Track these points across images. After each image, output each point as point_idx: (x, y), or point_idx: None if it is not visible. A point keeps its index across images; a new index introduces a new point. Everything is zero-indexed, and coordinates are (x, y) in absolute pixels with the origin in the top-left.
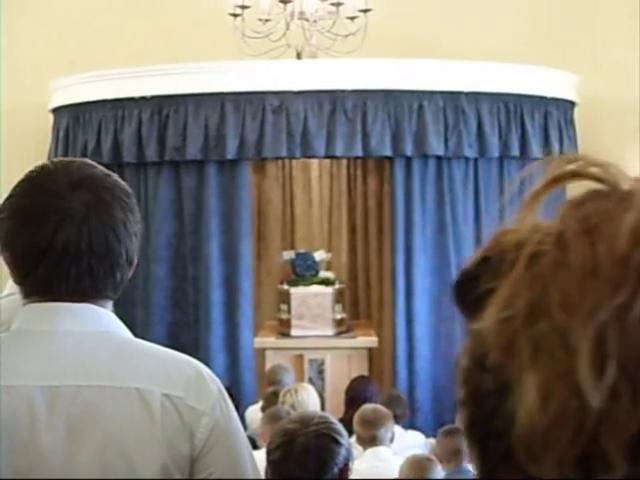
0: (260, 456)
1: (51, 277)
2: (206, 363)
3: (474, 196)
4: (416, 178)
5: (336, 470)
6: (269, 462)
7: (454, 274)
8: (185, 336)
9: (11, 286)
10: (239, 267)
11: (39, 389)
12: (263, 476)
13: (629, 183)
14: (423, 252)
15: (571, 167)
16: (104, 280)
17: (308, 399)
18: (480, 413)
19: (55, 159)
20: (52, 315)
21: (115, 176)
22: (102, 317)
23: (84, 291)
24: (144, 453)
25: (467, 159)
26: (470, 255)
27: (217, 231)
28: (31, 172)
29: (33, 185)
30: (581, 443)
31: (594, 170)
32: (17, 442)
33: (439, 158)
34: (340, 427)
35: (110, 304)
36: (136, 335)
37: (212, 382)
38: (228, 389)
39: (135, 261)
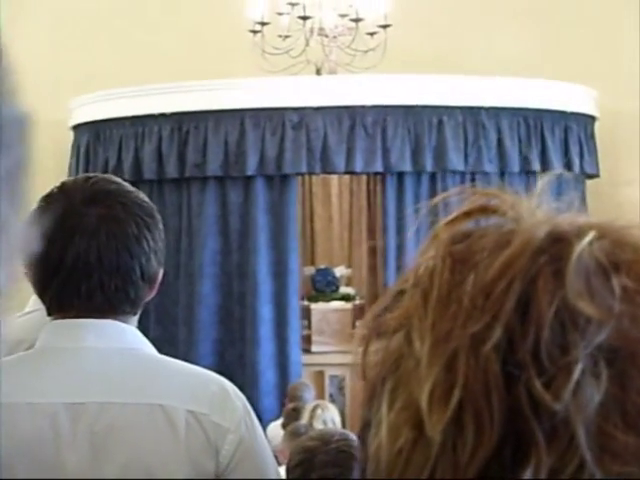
0: (283, 472)
1: (63, 293)
2: (253, 380)
3: None
4: (409, 194)
5: None
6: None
7: None
8: (230, 353)
9: (34, 302)
10: (288, 283)
11: (63, 406)
12: None
13: (530, 218)
14: None
15: (479, 202)
16: (116, 296)
17: (334, 416)
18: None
19: (77, 176)
20: (76, 331)
21: (137, 193)
22: (126, 334)
23: (97, 307)
24: (168, 470)
25: (487, 174)
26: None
27: (265, 247)
28: (51, 189)
29: (50, 202)
30: (422, 478)
31: (497, 204)
32: (40, 459)
33: (462, 173)
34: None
35: (133, 320)
36: (179, 352)
37: (237, 398)
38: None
39: (156, 279)
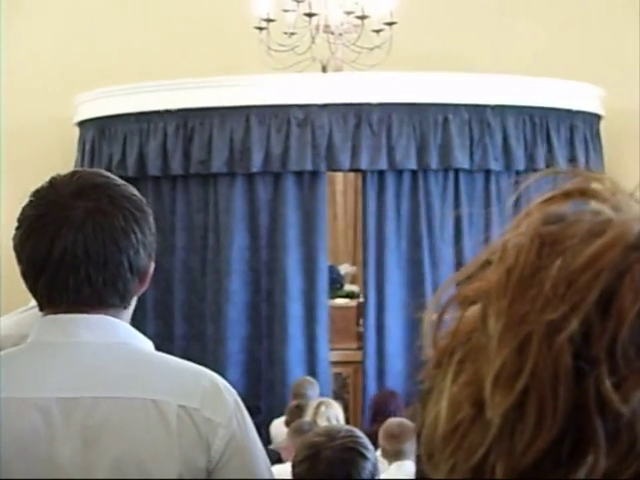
0: (285, 470)
1: (51, 287)
2: (282, 377)
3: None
4: (397, 193)
5: None
6: (294, 475)
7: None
8: (258, 350)
9: None
10: (317, 280)
11: (55, 401)
12: None
13: (628, 207)
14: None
15: (580, 184)
16: (104, 290)
17: (338, 413)
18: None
19: (67, 172)
20: (68, 326)
21: (126, 186)
22: (119, 328)
23: (86, 301)
24: (160, 465)
25: (489, 172)
26: None
27: (294, 244)
28: (42, 185)
29: (40, 197)
30: (475, 458)
31: (599, 189)
32: (33, 453)
33: (466, 171)
34: (366, 441)
35: (126, 314)
36: (207, 349)
37: (228, 394)
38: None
39: (146, 274)
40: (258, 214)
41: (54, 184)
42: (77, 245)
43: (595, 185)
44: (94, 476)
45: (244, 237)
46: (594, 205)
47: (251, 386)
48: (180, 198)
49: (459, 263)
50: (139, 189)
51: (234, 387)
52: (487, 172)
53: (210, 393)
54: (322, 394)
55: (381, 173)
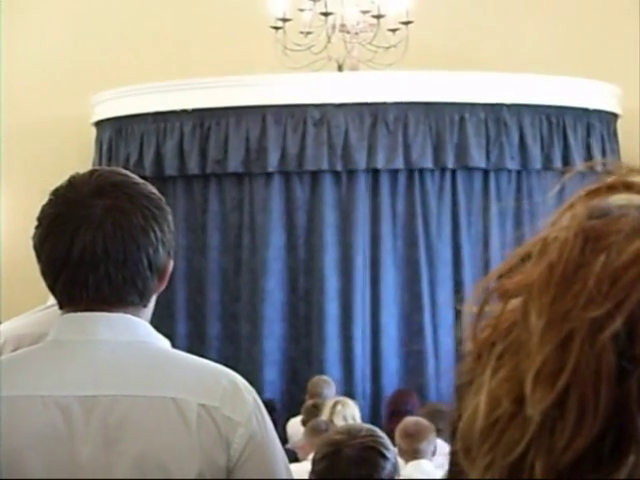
0: (303, 468)
1: (71, 286)
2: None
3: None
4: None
5: None
6: (314, 472)
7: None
8: (294, 350)
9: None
10: (354, 279)
11: (75, 399)
12: None
13: None
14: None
15: (625, 178)
16: (124, 288)
17: (354, 413)
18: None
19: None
20: (87, 325)
21: (144, 184)
22: (138, 327)
23: (105, 299)
24: (181, 464)
25: (510, 171)
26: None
27: (332, 243)
28: (61, 184)
29: (59, 195)
30: (514, 455)
31: None
32: (53, 451)
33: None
34: (387, 441)
35: (145, 312)
36: (242, 349)
37: (248, 392)
38: (271, 402)
39: (165, 271)
40: (295, 213)
41: (73, 183)
42: (96, 243)
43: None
44: (115, 475)
45: (281, 236)
46: (638, 200)
47: (287, 385)
48: (213, 197)
49: (456, 263)
50: (166, 189)
51: (270, 387)
52: (524, 172)
53: (230, 392)
54: (360, 393)
55: (376, 172)
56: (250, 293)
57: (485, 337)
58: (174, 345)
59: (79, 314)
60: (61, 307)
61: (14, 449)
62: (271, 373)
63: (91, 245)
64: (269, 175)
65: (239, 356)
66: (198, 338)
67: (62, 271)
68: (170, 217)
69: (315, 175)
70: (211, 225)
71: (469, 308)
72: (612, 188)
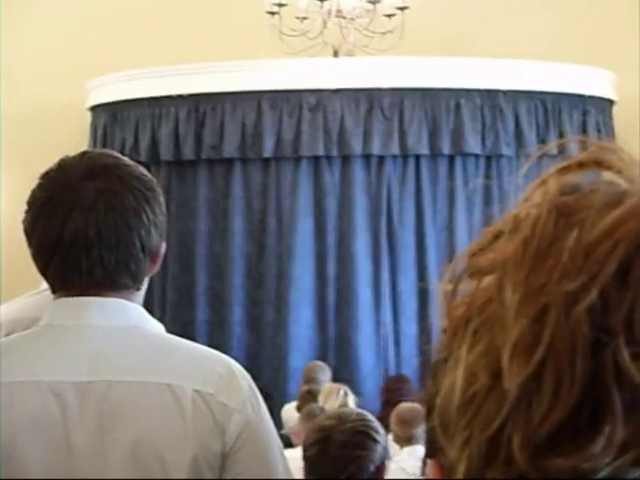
0: (295, 454)
1: (64, 270)
2: (352, 364)
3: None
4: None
5: (372, 468)
6: (305, 458)
7: None
8: (323, 336)
9: None
10: (381, 265)
11: (70, 384)
12: (297, 475)
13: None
14: None
15: (595, 155)
16: (117, 270)
17: (349, 398)
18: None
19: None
20: (81, 309)
21: (135, 166)
22: (131, 311)
23: (98, 282)
24: (175, 450)
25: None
26: None
27: (362, 228)
28: (50, 167)
29: (49, 179)
30: (491, 429)
31: (613, 160)
32: (48, 437)
33: (476, 156)
34: (377, 425)
35: (138, 296)
36: (265, 335)
37: (243, 379)
38: (267, 389)
39: (158, 253)
40: (324, 198)
41: (63, 166)
42: (89, 226)
43: (609, 156)
44: (109, 461)
45: (309, 221)
46: (608, 175)
47: None
48: (236, 182)
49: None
50: (177, 174)
51: (295, 374)
52: (451, 157)
53: (225, 378)
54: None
55: (345, 158)
56: (275, 279)
57: (460, 314)
58: (193, 331)
59: (72, 299)
60: (54, 291)
61: (9, 435)
62: (298, 360)
63: (83, 228)
64: (298, 159)
65: (262, 342)
66: (218, 324)
67: (54, 255)
68: (162, 199)
69: (345, 159)
70: (233, 210)
71: (443, 287)
72: (582, 165)
